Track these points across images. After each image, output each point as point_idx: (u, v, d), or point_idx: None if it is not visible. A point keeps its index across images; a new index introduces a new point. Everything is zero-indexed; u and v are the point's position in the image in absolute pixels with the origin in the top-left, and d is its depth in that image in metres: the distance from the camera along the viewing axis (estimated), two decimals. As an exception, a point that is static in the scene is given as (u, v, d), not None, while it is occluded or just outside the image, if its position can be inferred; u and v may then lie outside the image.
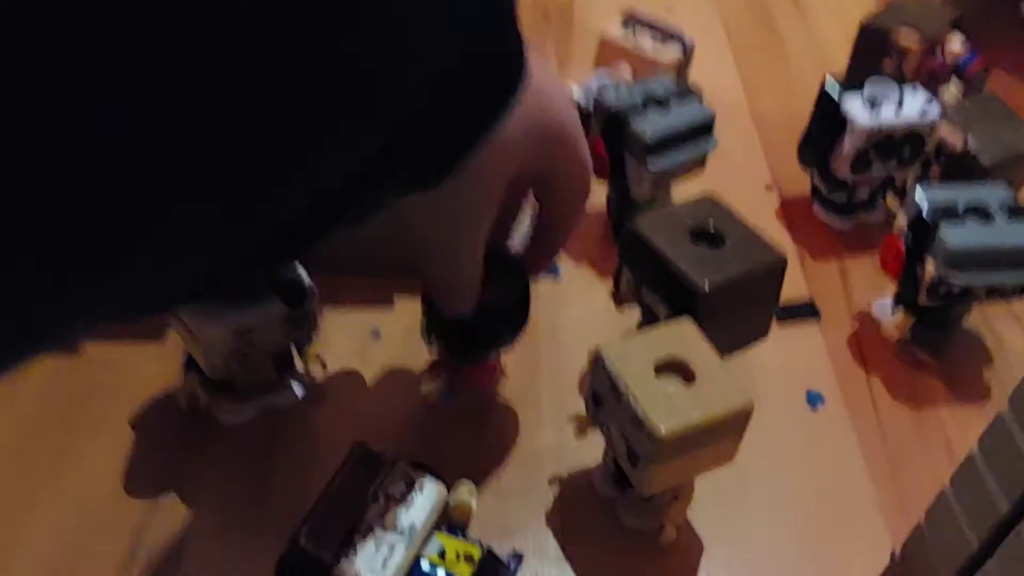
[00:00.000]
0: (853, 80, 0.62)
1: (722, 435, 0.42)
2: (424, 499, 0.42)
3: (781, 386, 0.57)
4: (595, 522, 0.49)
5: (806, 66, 0.89)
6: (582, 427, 0.48)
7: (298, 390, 0.52)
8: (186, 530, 0.47)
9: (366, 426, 0.52)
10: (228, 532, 0.47)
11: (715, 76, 0.83)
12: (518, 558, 0.43)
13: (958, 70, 0.72)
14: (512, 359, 0.56)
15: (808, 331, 0.61)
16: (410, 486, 0.43)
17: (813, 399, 0.57)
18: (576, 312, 0.61)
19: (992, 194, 0.55)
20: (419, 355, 0.56)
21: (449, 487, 0.44)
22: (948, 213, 0.53)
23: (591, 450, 0.50)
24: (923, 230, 0.53)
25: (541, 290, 0.61)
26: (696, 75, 0.77)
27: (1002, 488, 0.35)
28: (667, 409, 0.41)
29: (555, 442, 0.53)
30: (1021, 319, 0.63)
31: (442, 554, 0.42)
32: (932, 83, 0.70)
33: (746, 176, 0.73)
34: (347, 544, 0.40)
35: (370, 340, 0.57)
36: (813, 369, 0.59)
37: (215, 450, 0.51)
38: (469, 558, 0.43)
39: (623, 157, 0.59)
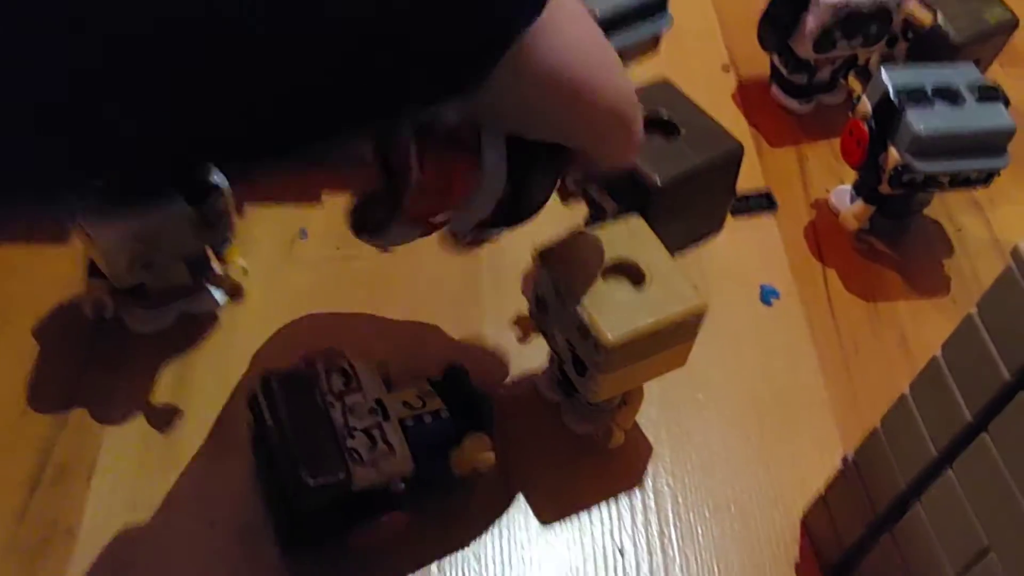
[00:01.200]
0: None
1: (674, 340, 0.39)
2: (366, 374, 0.41)
3: (734, 281, 0.54)
4: (539, 427, 0.47)
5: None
6: (525, 331, 0.45)
7: (218, 296, 0.48)
8: (98, 447, 0.44)
9: (293, 332, 0.49)
10: (146, 449, 0.44)
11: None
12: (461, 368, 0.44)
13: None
14: (453, 260, 0.53)
15: (763, 223, 0.58)
16: (346, 373, 0.41)
17: (767, 294, 0.54)
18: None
19: (960, 74, 0.51)
20: (350, 255, 0.52)
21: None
22: (915, 96, 0.49)
23: (534, 352, 0.47)
24: (888, 114, 0.50)
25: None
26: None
27: (966, 395, 0.33)
28: (615, 315, 0.38)
29: (495, 344, 0.50)
30: (983, 207, 0.61)
31: (407, 405, 0.41)
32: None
33: (701, 56, 0.68)
34: (346, 454, 0.38)
35: (297, 239, 0.53)
36: (768, 263, 0.56)
37: (127, 361, 0.47)
38: (426, 393, 0.42)
39: (569, 35, 0.54)
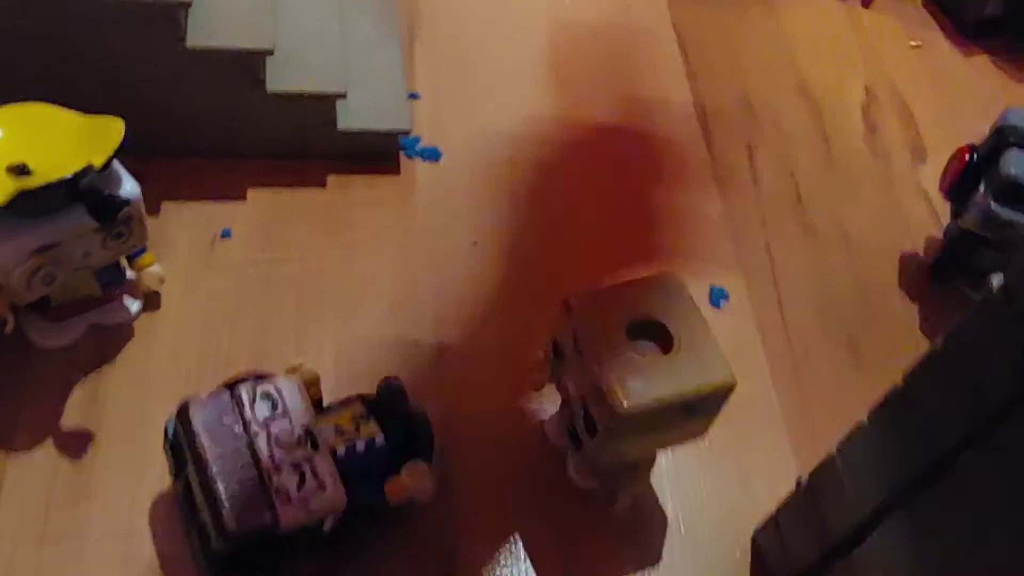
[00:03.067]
0: None
1: (695, 413, 0.37)
2: (293, 400, 0.38)
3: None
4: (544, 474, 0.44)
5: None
6: (541, 377, 0.42)
7: (131, 306, 0.45)
8: (2, 476, 0.40)
9: (215, 344, 0.45)
10: (54, 477, 0.41)
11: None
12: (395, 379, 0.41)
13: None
14: (390, 261, 0.50)
15: (711, 210, 0.56)
16: (271, 398, 0.38)
17: (717, 296, 0.52)
18: (458, 202, 0.54)
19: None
20: (277, 258, 0.49)
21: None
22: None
23: (478, 371, 0.45)
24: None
25: (422, 175, 0.54)
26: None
27: (928, 434, 0.31)
28: (635, 380, 0.35)
29: (437, 356, 0.47)
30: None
31: (339, 431, 0.39)
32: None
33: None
34: (273, 493, 0.35)
35: (218, 240, 0.49)
36: (716, 258, 0.54)
37: (32, 380, 0.43)
38: (360, 416, 0.40)
39: None
